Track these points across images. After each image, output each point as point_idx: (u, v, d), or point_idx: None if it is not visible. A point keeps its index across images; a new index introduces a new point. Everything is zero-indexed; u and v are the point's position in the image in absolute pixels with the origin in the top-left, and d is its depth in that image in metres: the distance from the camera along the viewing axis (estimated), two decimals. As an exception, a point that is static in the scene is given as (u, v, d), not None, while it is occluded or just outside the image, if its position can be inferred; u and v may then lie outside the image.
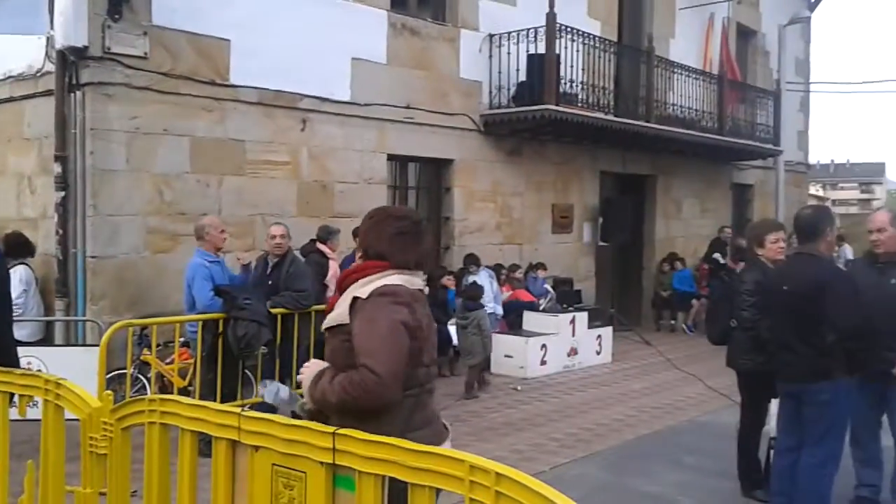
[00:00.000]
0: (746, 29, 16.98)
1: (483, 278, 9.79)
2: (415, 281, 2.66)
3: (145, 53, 7.66)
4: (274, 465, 2.37)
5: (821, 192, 76.92)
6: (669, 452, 6.30)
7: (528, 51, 10.89)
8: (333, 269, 7.95)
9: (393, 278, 2.60)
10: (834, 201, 80.00)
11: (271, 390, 2.69)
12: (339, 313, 2.60)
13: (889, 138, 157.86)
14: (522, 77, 10.98)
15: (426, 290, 2.82)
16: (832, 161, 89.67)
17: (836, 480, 4.41)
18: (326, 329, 2.65)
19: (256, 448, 2.41)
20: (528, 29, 10.77)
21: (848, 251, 15.09)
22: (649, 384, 9.18)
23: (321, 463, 2.25)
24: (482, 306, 8.83)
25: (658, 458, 6.16)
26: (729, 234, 14.51)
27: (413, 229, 2.69)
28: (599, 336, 10.64)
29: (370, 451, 2.16)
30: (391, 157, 10.15)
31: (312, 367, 2.65)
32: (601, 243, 13.23)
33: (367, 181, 9.72)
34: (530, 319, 10.28)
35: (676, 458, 6.13)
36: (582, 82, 11.51)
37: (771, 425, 5.03)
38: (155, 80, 7.74)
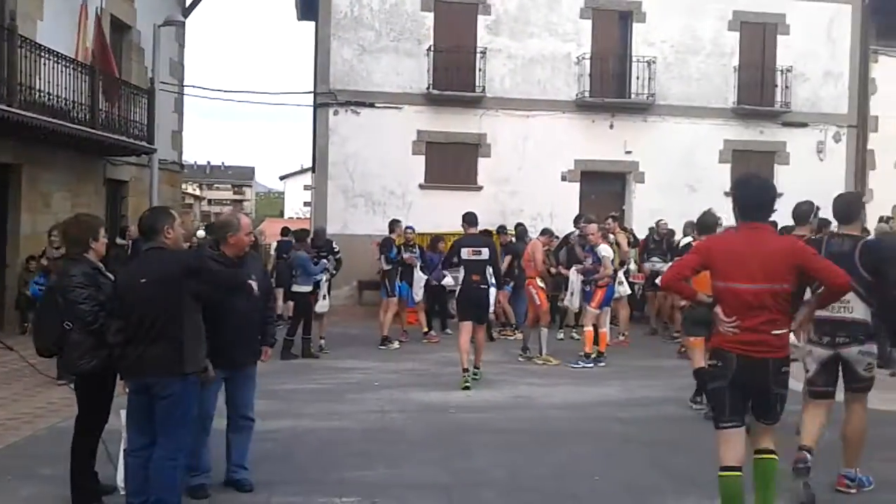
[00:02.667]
0: (121, 23, 16.79)
1: None
2: None
3: None
4: None
5: (198, 192, 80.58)
6: (24, 465, 5.85)
7: None
8: None
9: None
10: (210, 200, 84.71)
11: None
12: None
13: (259, 145, 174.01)
14: None
15: None
16: (208, 162, 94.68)
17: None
18: None
19: None
20: None
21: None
22: (8, 394, 8.39)
23: None
24: None
25: (9, 473, 5.65)
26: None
27: None
28: (-54, 345, 9.30)
29: None
30: None
31: None
32: (-48, 239, 11.61)
33: None
34: None
35: (31, 471, 5.71)
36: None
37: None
38: None
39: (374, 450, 6.43)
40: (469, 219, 9.52)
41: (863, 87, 20.07)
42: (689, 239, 10.74)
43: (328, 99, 18.23)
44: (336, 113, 18.24)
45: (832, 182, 19.43)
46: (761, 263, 4.18)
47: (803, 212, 6.52)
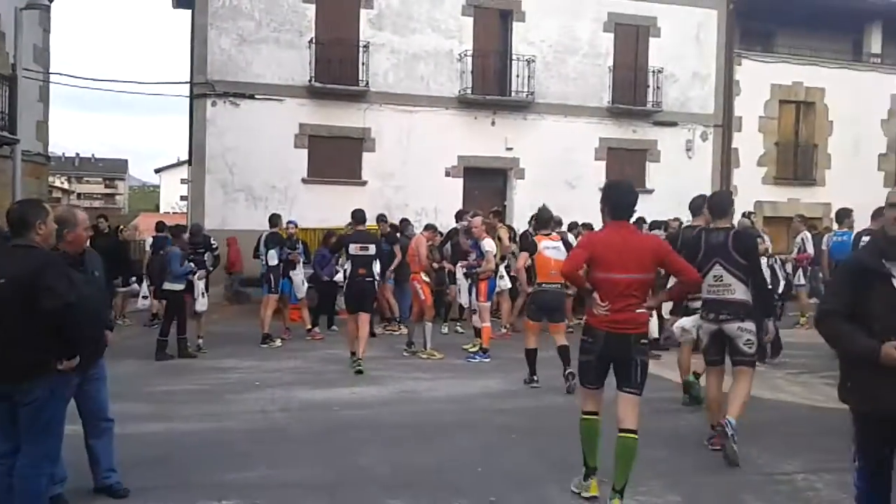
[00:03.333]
0: (-22, 5, 15.72)
1: None
2: None
3: None
4: None
5: (66, 185, 76.54)
6: None
7: None
8: None
9: None
10: (80, 194, 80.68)
11: None
12: None
13: (132, 136, 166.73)
14: None
15: None
16: (77, 154, 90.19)
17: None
18: None
19: None
20: None
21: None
22: None
23: None
24: None
25: None
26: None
27: None
28: None
29: None
30: None
31: None
32: None
33: None
34: None
35: None
36: None
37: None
38: None
39: (256, 450, 6.29)
40: (357, 216, 10.22)
41: (728, 89, 21.20)
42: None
43: (206, 90, 17.66)
44: (214, 104, 17.70)
45: (700, 179, 20.56)
46: (634, 257, 4.89)
47: (698, 205, 7.34)
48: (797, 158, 22.14)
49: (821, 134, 22.12)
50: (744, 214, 15.31)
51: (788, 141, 22.08)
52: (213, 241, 11.96)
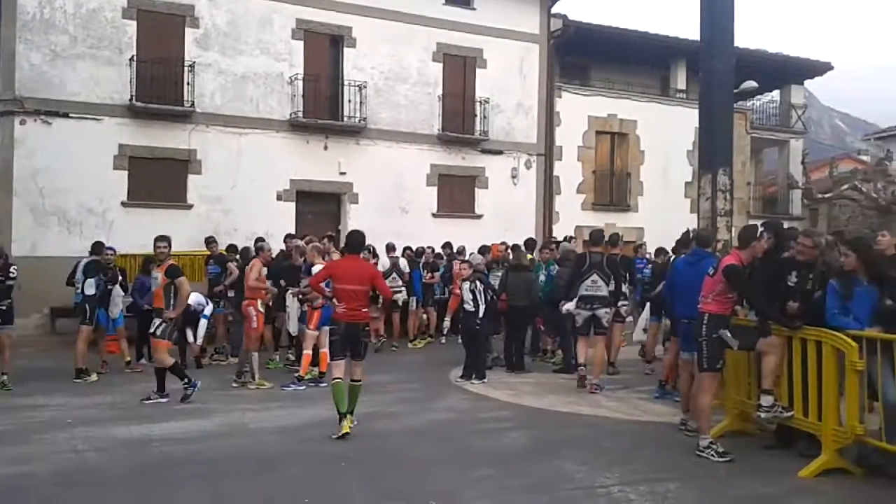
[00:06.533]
0: None
1: None
2: None
3: None
4: None
5: None
6: None
7: None
8: None
9: None
10: None
11: None
12: None
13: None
14: None
15: None
16: None
17: None
18: None
19: None
20: None
21: None
22: None
23: None
24: None
25: None
26: None
27: None
28: None
29: None
30: None
31: None
32: None
33: None
34: None
35: None
36: None
37: None
38: None
39: (65, 494, 5.87)
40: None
41: (549, 120, 22.26)
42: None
43: (13, 107, 16.39)
44: (23, 122, 16.47)
45: (525, 204, 21.47)
46: (358, 276, 7.76)
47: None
48: (613, 186, 23.56)
49: (634, 163, 23.68)
50: (565, 238, 16.13)
51: (605, 169, 23.45)
52: (11, 270, 10.79)
